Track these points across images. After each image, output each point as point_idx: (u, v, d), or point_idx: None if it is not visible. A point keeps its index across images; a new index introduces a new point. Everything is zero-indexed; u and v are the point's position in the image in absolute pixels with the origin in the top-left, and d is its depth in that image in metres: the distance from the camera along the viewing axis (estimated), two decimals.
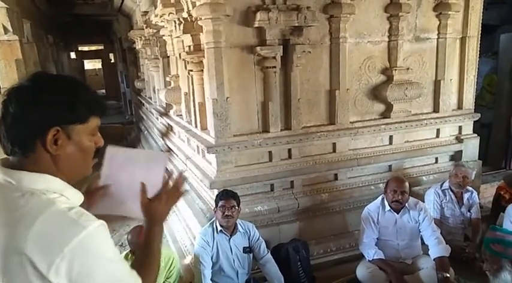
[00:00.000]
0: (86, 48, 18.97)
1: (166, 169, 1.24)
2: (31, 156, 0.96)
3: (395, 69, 3.67)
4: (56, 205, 0.92)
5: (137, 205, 1.18)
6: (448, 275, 2.77)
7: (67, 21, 11.17)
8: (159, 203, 1.18)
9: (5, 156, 1.01)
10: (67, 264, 0.87)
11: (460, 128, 4.16)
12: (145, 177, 1.18)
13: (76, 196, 1.02)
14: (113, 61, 17.58)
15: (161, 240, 1.21)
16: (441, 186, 3.56)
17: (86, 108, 1.00)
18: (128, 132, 10.00)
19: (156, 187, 1.19)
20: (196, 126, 3.73)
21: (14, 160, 0.98)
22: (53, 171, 0.98)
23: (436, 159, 4.10)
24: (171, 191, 1.21)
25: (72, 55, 18.21)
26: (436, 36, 3.89)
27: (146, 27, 5.56)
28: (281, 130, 3.39)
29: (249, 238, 2.96)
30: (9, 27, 5.09)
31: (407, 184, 3.05)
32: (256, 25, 3.12)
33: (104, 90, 19.04)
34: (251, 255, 2.96)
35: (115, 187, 1.20)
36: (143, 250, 1.16)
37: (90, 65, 21.44)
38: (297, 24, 3.18)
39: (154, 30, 5.13)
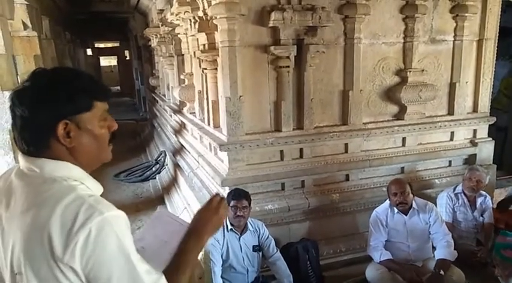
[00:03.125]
0: (102, 45, 19.23)
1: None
2: (48, 153, 0.99)
3: (410, 71, 3.64)
4: (77, 191, 0.95)
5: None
6: (443, 273, 2.76)
7: (84, 18, 11.32)
8: (214, 213, 1.20)
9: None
10: (80, 248, 0.88)
11: (474, 131, 4.11)
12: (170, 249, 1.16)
13: (96, 187, 1.05)
14: (128, 58, 17.78)
15: (198, 255, 1.17)
16: (454, 189, 3.53)
17: (87, 95, 1.01)
18: (141, 129, 10.11)
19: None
20: (209, 124, 3.77)
21: (32, 152, 1.01)
22: (73, 162, 1.01)
23: (450, 162, 4.06)
24: (223, 208, 1.23)
25: (89, 52, 18.49)
26: (453, 38, 3.84)
27: (162, 25, 5.62)
28: (293, 129, 3.40)
29: (258, 237, 2.97)
30: (29, 24, 5.18)
31: (407, 184, 3.05)
32: (270, 25, 3.13)
33: (118, 87, 19.30)
34: (261, 253, 2.98)
35: (142, 250, 1.16)
36: (176, 261, 1.11)
37: (106, 61, 21.72)
38: (311, 24, 3.18)
39: (170, 28, 5.18)
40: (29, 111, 0.96)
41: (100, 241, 0.89)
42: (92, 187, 1.03)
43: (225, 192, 3.15)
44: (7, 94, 3.86)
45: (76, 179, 0.99)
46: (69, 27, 10.47)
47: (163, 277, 1.00)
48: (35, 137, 0.98)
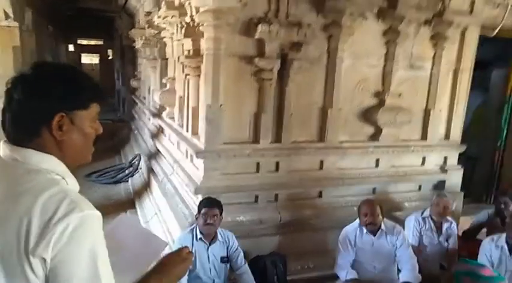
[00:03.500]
0: (85, 42, 18.91)
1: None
2: (36, 141, 1.00)
3: (388, 94, 3.74)
4: (60, 185, 0.96)
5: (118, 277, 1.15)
6: None
7: (70, 13, 11.15)
8: (181, 261, 1.20)
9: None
10: (55, 239, 0.88)
11: (445, 158, 4.23)
12: (136, 256, 1.18)
13: (74, 184, 1.05)
14: (110, 57, 17.54)
15: None
16: (422, 213, 3.59)
17: (87, 95, 1.05)
18: (118, 130, 9.93)
19: (141, 268, 1.18)
20: (187, 130, 3.74)
21: (18, 143, 1.01)
22: (58, 155, 1.01)
23: (420, 186, 4.16)
24: (188, 260, 1.24)
25: (71, 47, 18.13)
26: (430, 66, 3.97)
27: (148, 28, 5.59)
28: (271, 142, 3.42)
29: (227, 248, 2.94)
30: (11, 14, 5.07)
31: (377, 206, 3.08)
32: (256, 36, 3.17)
33: None
34: (228, 264, 2.95)
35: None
36: None
37: (88, 59, 21.31)
38: (296, 40, 3.24)
39: (156, 31, 5.15)
40: (30, 97, 0.97)
41: (75, 237, 0.90)
42: (72, 184, 1.04)
43: (197, 200, 3.12)
44: None
45: (58, 173, 1.00)
46: (53, 21, 10.26)
47: None
48: (29, 123, 0.99)
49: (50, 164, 0.99)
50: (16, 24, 5.28)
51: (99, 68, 19.52)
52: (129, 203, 5.36)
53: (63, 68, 1.08)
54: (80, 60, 19.48)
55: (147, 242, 1.24)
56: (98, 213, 0.96)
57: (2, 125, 1.02)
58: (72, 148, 1.04)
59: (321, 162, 3.65)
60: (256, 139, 3.39)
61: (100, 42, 17.99)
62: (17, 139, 1.00)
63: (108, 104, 15.30)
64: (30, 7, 6.31)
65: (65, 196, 0.93)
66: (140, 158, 6.16)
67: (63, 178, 1.01)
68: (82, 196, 0.98)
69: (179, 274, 1.22)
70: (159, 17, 4.09)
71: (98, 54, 19.27)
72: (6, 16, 5.03)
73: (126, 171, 6.36)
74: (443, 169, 4.19)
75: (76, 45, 18.44)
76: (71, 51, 18.21)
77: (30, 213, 0.89)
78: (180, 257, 1.22)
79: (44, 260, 0.89)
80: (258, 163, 3.40)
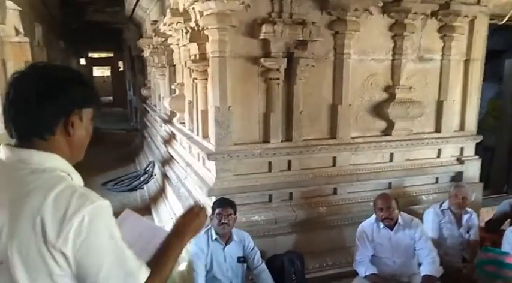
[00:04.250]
0: (95, 55, 19.23)
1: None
2: (50, 139, 1.02)
3: (398, 88, 3.70)
4: (67, 181, 1.00)
5: None
6: None
7: (79, 27, 11.36)
8: (193, 216, 1.27)
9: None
10: (74, 233, 0.91)
11: (461, 149, 4.15)
12: (142, 250, 1.19)
13: (80, 180, 1.08)
14: (121, 69, 17.79)
15: (180, 254, 1.22)
16: (440, 206, 3.53)
17: (91, 93, 1.10)
18: (131, 139, 10.05)
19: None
20: (198, 134, 3.76)
21: (20, 143, 1.03)
22: (67, 152, 1.06)
23: (437, 179, 4.09)
24: (202, 213, 1.30)
25: (82, 61, 18.46)
26: (440, 57, 3.92)
27: (155, 36, 5.64)
28: (282, 141, 3.41)
29: (243, 248, 2.95)
30: (21, 29, 5.18)
31: (393, 200, 3.04)
32: (261, 37, 3.17)
33: (111, 97, 19.24)
34: (245, 264, 2.95)
35: None
36: (158, 256, 1.15)
37: (99, 71, 21.70)
38: (301, 38, 3.23)
39: (163, 39, 5.21)
40: (48, 95, 1.00)
41: (93, 227, 0.93)
42: (77, 180, 1.06)
43: (211, 202, 3.13)
44: None
45: (63, 170, 1.03)
46: (63, 36, 10.47)
47: (144, 264, 1.05)
48: (46, 120, 1.01)
49: (54, 162, 1.02)
50: (27, 39, 5.38)
51: (111, 80, 19.83)
52: (145, 209, 5.40)
53: (65, 68, 1.14)
54: (92, 73, 19.81)
55: (152, 235, 1.26)
56: (107, 202, 1.00)
57: (8, 124, 1.03)
58: (78, 145, 1.09)
59: (334, 159, 3.62)
60: (266, 139, 3.38)
61: (110, 55, 18.27)
62: (27, 138, 1.02)
63: (121, 114, 15.51)
64: (40, 23, 6.46)
65: (74, 191, 0.96)
66: (154, 165, 6.22)
67: (68, 174, 1.03)
68: (89, 189, 1.00)
69: (196, 229, 1.28)
70: (164, 24, 4.13)
71: (109, 67, 19.56)
72: (17, 32, 5.14)
73: (141, 178, 6.42)
74: (460, 160, 4.12)
75: (87, 58, 18.77)
76: (83, 65, 18.53)
77: (42, 210, 0.92)
78: (192, 213, 1.29)
79: (64, 254, 0.92)
80: (269, 163, 3.40)
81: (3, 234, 0.94)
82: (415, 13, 3.54)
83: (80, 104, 1.05)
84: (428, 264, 2.92)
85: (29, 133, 1.01)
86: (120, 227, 1.20)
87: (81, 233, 0.92)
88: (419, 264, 3.03)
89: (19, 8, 4.99)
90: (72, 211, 0.92)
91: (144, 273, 1.03)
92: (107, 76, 21.14)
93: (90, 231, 0.93)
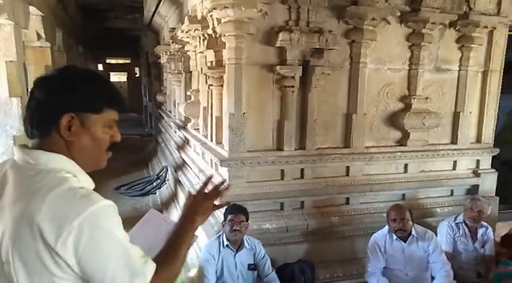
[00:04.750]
0: (113, 61, 19.57)
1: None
2: (47, 139, 1.02)
3: (414, 98, 3.67)
4: (69, 183, 0.97)
5: None
6: None
7: (98, 33, 11.59)
8: (203, 201, 1.25)
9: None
10: (74, 237, 0.89)
11: (478, 161, 4.08)
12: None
13: (88, 181, 1.06)
14: (138, 75, 18.06)
15: (190, 241, 1.20)
16: (455, 219, 3.47)
17: (100, 99, 1.05)
18: (145, 144, 10.15)
19: None
20: (211, 140, 3.78)
21: (32, 143, 1.05)
22: (66, 155, 1.03)
23: (452, 191, 4.02)
24: (212, 194, 1.28)
25: (100, 67, 18.81)
26: (458, 68, 3.88)
27: (172, 43, 5.72)
28: (295, 149, 3.40)
29: (254, 255, 2.93)
30: (43, 34, 5.32)
31: (406, 211, 3.01)
32: (277, 45, 3.19)
33: (127, 103, 19.48)
34: (256, 272, 2.93)
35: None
36: (168, 247, 1.13)
37: (116, 77, 22.02)
38: (318, 46, 3.24)
39: (180, 46, 5.27)
40: (44, 96, 1.01)
41: (94, 230, 0.91)
42: (84, 181, 1.04)
43: (223, 208, 3.13)
44: (15, 100, 3.92)
45: (69, 171, 1.01)
46: (83, 41, 10.70)
47: (150, 259, 1.03)
48: (41, 121, 1.02)
49: (59, 163, 1.00)
50: (48, 44, 5.53)
51: (127, 86, 20.13)
52: None
53: (84, 71, 1.10)
54: (109, 78, 20.12)
55: None
56: (110, 202, 0.98)
57: (23, 123, 1.06)
58: (81, 151, 1.04)
59: (347, 168, 3.60)
60: (280, 146, 3.38)
61: (127, 61, 18.58)
62: (32, 137, 1.04)
63: (136, 119, 15.70)
64: (61, 28, 6.61)
65: (75, 192, 0.94)
66: (167, 170, 6.26)
67: (74, 175, 1.01)
68: (92, 190, 0.99)
69: (207, 208, 1.26)
70: (182, 31, 4.19)
71: (125, 72, 19.87)
72: (39, 37, 5.28)
73: (154, 183, 6.46)
74: (476, 173, 4.04)
75: (105, 64, 19.12)
76: (100, 70, 18.87)
77: (41, 212, 0.90)
78: (201, 194, 1.27)
79: (64, 258, 0.90)
80: (282, 171, 3.39)
81: (6, 237, 0.94)
82: (433, 23, 3.52)
83: (77, 108, 1.01)
84: (442, 277, 2.87)
85: (36, 133, 1.03)
86: (143, 227, 1.21)
87: (82, 237, 0.90)
88: (433, 278, 2.98)
89: (41, 14, 5.13)
90: (72, 213, 0.90)
91: (150, 268, 1.00)
92: (124, 82, 21.46)
93: (91, 234, 0.91)
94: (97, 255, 0.93)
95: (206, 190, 1.29)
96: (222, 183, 1.33)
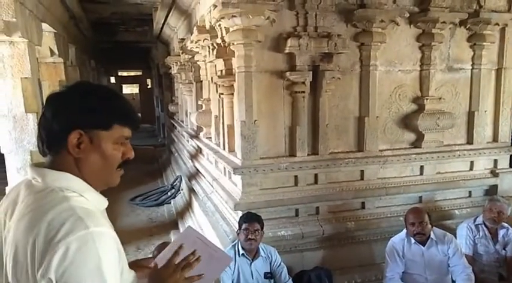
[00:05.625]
0: (125, 74, 19.84)
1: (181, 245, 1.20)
2: (57, 157, 1.01)
3: (427, 99, 3.62)
4: (69, 202, 0.94)
5: None
6: None
7: (109, 47, 11.77)
8: (175, 271, 1.13)
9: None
10: (58, 259, 0.86)
11: (495, 161, 4.00)
12: (200, 270, 1.16)
13: (98, 200, 1.03)
14: (149, 86, 18.26)
15: None
16: (474, 220, 3.39)
17: (109, 115, 1.03)
18: (159, 154, 10.23)
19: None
20: (224, 148, 3.79)
21: (44, 161, 1.04)
22: (76, 173, 1.01)
23: (470, 192, 3.94)
24: (179, 267, 1.14)
25: (112, 79, 19.08)
26: (470, 67, 3.82)
27: (182, 53, 5.79)
28: (308, 155, 3.38)
29: (270, 263, 2.91)
30: (56, 51, 5.42)
31: (425, 214, 2.95)
32: (286, 51, 3.19)
33: (139, 114, 19.66)
34: (272, 280, 2.91)
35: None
36: None
37: (128, 89, 22.33)
38: (327, 51, 3.23)
39: (190, 56, 5.33)
40: (52, 113, 0.99)
41: (79, 256, 0.87)
42: (93, 199, 1.01)
43: (237, 216, 3.13)
44: (31, 116, 4.00)
45: (75, 191, 0.99)
46: (94, 56, 10.88)
47: None
48: (50, 138, 1.01)
49: (64, 182, 0.98)
50: (61, 60, 5.63)
51: (139, 97, 20.33)
52: (172, 224, 5.45)
53: (94, 87, 1.08)
54: (121, 91, 20.40)
55: (211, 256, 1.21)
56: (107, 230, 0.93)
57: (36, 140, 1.06)
58: (90, 169, 1.02)
59: (362, 172, 3.56)
60: (292, 152, 3.37)
61: (139, 73, 18.81)
62: (46, 156, 1.03)
63: (149, 130, 15.85)
64: (73, 43, 6.74)
65: (72, 213, 0.91)
66: (181, 179, 6.29)
67: (80, 195, 0.98)
68: (93, 213, 0.95)
69: None
70: (191, 41, 4.23)
71: (137, 84, 20.12)
72: (52, 53, 5.38)
73: (169, 193, 6.50)
74: (494, 173, 3.96)
75: (117, 76, 19.37)
76: (113, 83, 19.14)
77: (36, 233, 0.88)
78: (167, 269, 1.13)
79: (50, 278, 0.86)
80: (296, 177, 3.37)
81: (9, 256, 0.94)
82: (443, 22, 3.48)
83: (86, 125, 0.99)
84: (464, 280, 2.81)
85: (45, 150, 1.02)
86: (179, 244, 1.17)
87: (65, 260, 0.85)
88: (453, 281, 2.92)
89: (54, 30, 5.23)
90: (61, 235, 0.87)
91: None
92: (136, 93, 21.73)
93: (74, 260, 0.86)
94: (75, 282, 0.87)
95: (176, 261, 1.15)
96: (193, 253, 1.18)
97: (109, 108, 1.03)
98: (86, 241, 0.88)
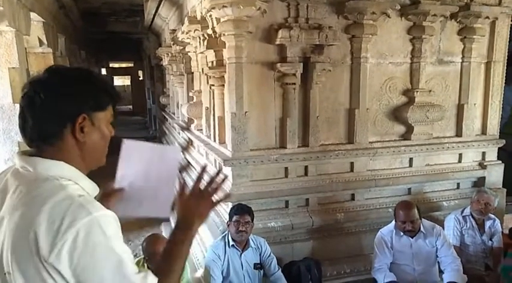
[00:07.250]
0: (116, 65, 19.65)
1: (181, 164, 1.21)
2: (58, 144, 0.99)
3: (417, 91, 3.64)
4: (67, 190, 0.93)
5: (155, 204, 1.17)
6: None
7: (100, 38, 11.64)
8: (199, 201, 1.14)
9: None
10: (68, 249, 0.86)
11: (483, 153, 4.05)
12: (159, 173, 1.16)
13: (90, 187, 1.03)
14: (141, 78, 18.11)
15: (190, 247, 1.13)
16: (462, 212, 3.44)
17: (104, 96, 1.04)
18: None
19: (171, 182, 1.16)
20: (214, 140, 3.78)
21: (33, 150, 1.01)
22: (78, 158, 1.01)
23: (458, 184, 3.99)
24: (208, 191, 1.15)
25: (103, 71, 18.86)
26: (460, 60, 3.85)
27: (173, 44, 5.74)
28: (298, 147, 3.39)
29: (260, 254, 2.93)
30: (45, 40, 5.35)
31: (415, 211, 2.93)
32: (277, 42, 3.18)
33: (131, 106, 19.58)
34: (262, 271, 2.93)
35: (130, 188, 1.18)
36: (166, 256, 1.09)
37: (120, 81, 22.15)
38: (318, 43, 3.23)
39: (181, 47, 5.29)
40: (53, 99, 0.96)
41: (89, 242, 0.87)
42: (87, 187, 1.01)
43: (228, 208, 3.13)
44: (18, 107, 3.95)
45: (70, 178, 0.98)
46: (85, 46, 10.74)
47: (150, 273, 0.99)
48: (51, 125, 0.97)
49: (58, 170, 0.97)
50: (50, 50, 5.56)
51: (131, 89, 20.19)
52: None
53: (79, 70, 1.08)
54: (113, 83, 20.21)
55: (161, 156, 1.19)
56: (109, 212, 0.93)
57: (21, 130, 1.00)
58: (92, 150, 1.03)
59: (351, 164, 3.58)
60: (283, 144, 3.38)
61: (130, 65, 18.63)
62: (37, 144, 0.99)
63: (140, 122, 15.76)
64: (63, 33, 6.65)
65: (72, 201, 0.90)
66: None
67: (75, 182, 0.98)
68: (91, 199, 0.95)
69: (204, 213, 1.15)
70: (182, 32, 4.20)
71: (129, 76, 19.95)
72: (41, 43, 5.31)
73: None
74: (482, 165, 4.01)
75: (108, 68, 19.15)
76: (104, 75, 18.93)
77: (36, 223, 0.87)
78: (193, 196, 1.15)
79: (58, 270, 0.86)
80: (286, 168, 3.38)
81: (5, 247, 0.92)
82: (433, 15, 3.49)
83: (89, 108, 0.99)
84: (453, 270, 2.84)
85: (36, 139, 0.99)
86: (126, 159, 1.17)
87: (76, 249, 0.85)
88: (441, 272, 2.96)
89: (43, 20, 5.15)
90: (66, 224, 0.86)
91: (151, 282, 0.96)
92: (127, 85, 21.56)
93: (86, 246, 0.86)
94: (92, 269, 0.88)
95: (201, 186, 1.16)
96: (218, 173, 1.18)
97: (104, 90, 1.05)
98: (92, 226, 0.88)
